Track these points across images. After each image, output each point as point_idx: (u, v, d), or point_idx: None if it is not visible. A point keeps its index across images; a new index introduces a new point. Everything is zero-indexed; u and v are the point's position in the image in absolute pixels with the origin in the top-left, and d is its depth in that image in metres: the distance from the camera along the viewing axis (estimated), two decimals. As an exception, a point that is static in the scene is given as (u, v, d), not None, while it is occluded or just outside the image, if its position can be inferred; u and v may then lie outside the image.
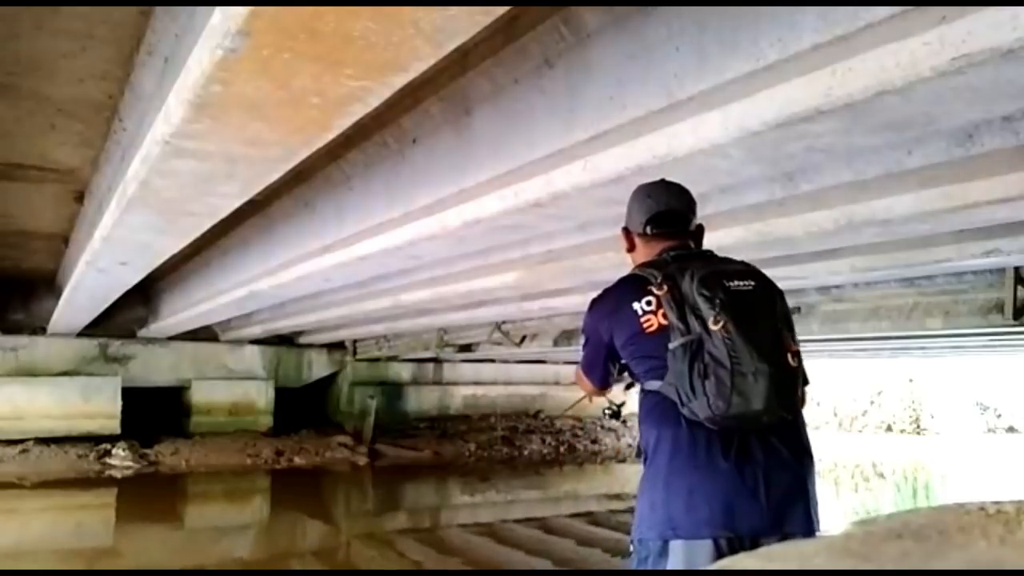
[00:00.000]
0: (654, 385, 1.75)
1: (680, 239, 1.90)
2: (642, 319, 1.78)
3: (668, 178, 2.06)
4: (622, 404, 2.06)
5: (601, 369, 1.93)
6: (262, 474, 10.23)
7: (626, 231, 1.97)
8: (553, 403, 14.11)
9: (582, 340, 1.98)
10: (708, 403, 1.61)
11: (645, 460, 1.78)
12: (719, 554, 1.60)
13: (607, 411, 2.15)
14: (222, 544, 7.00)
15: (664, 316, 1.73)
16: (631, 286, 1.85)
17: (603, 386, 1.98)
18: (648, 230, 1.90)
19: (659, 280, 1.75)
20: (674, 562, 1.65)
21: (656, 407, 1.75)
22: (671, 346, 1.68)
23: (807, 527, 1.69)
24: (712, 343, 1.63)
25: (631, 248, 1.97)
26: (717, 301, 1.65)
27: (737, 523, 1.63)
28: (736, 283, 1.70)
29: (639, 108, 2.54)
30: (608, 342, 1.86)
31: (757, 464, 1.66)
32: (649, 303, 1.78)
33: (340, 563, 6.27)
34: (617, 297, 1.87)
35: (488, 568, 6.00)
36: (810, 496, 1.71)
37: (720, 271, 1.74)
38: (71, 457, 9.78)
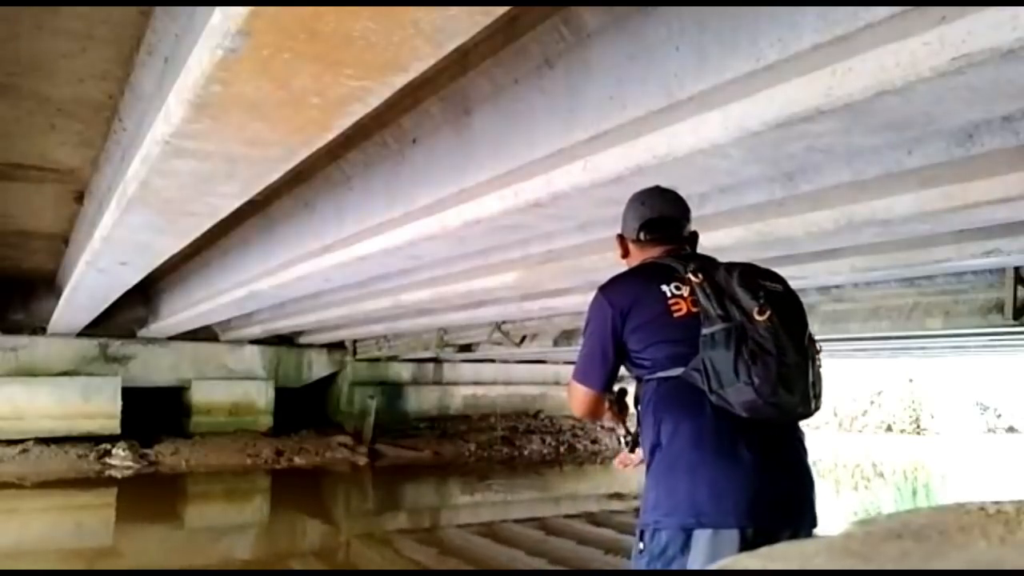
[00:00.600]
0: (675, 371, 1.71)
1: (674, 245, 1.90)
2: (670, 301, 1.76)
3: (668, 178, 2.07)
4: (638, 433, 1.92)
5: (608, 366, 1.82)
6: (262, 474, 10.23)
7: (620, 237, 1.98)
8: (553, 403, 14.12)
9: (582, 340, 1.88)
10: (754, 387, 1.59)
11: (654, 449, 1.72)
12: (744, 546, 1.56)
13: (624, 439, 1.97)
14: (222, 544, 7.00)
15: (694, 303, 1.72)
16: (655, 270, 1.83)
17: (603, 388, 1.85)
18: (642, 236, 1.91)
19: (692, 268, 1.75)
20: (698, 554, 1.59)
21: (673, 393, 1.71)
22: (708, 331, 1.66)
23: (813, 524, 1.70)
24: (757, 331, 1.63)
25: (625, 254, 1.98)
26: (761, 293, 1.66)
27: (761, 515, 1.61)
28: (768, 283, 1.72)
29: (639, 108, 2.54)
30: (619, 328, 1.78)
31: (776, 458, 1.67)
32: (679, 288, 1.76)
33: (340, 563, 6.27)
34: (640, 278, 1.85)
35: (488, 568, 6.00)
36: (815, 493, 1.73)
37: (754, 270, 1.75)
38: (71, 457, 9.79)
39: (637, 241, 1.93)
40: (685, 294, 1.75)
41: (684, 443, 1.67)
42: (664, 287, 1.77)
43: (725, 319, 1.65)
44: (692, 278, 1.73)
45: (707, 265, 1.77)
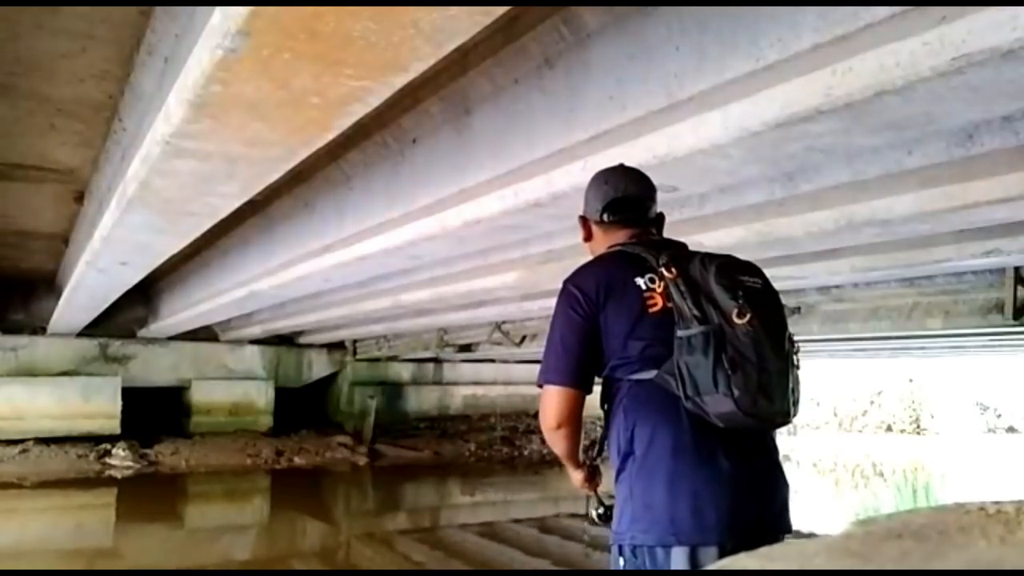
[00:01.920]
0: (648, 374, 1.59)
1: (640, 227, 1.79)
2: (645, 295, 1.63)
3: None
4: (611, 507, 1.78)
5: (582, 358, 1.66)
6: (262, 474, 10.23)
7: (583, 219, 1.86)
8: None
9: (549, 336, 1.70)
10: (734, 399, 1.48)
11: (626, 456, 1.61)
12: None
13: (596, 513, 1.83)
14: (222, 544, 7.00)
15: (667, 298, 1.60)
16: (626, 260, 1.70)
17: (576, 384, 1.67)
18: (605, 217, 1.78)
19: (666, 261, 1.63)
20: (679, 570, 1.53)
21: (646, 397, 1.60)
22: (683, 334, 1.54)
23: (787, 530, 1.64)
24: (736, 336, 1.51)
25: (588, 237, 1.86)
26: (740, 293, 1.55)
27: (740, 529, 1.53)
28: (747, 279, 1.60)
29: (639, 108, 2.54)
30: (594, 319, 1.64)
31: (753, 466, 1.59)
32: (652, 280, 1.64)
33: (340, 563, 6.27)
34: (611, 269, 1.70)
35: (488, 568, 6.00)
36: (790, 498, 1.67)
37: (731, 264, 1.63)
38: (71, 457, 9.79)
39: (601, 223, 1.80)
40: (659, 288, 1.63)
41: (661, 452, 1.57)
42: (639, 279, 1.65)
43: (702, 321, 1.53)
44: (665, 273, 1.61)
45: (680, 255, 1.65)
